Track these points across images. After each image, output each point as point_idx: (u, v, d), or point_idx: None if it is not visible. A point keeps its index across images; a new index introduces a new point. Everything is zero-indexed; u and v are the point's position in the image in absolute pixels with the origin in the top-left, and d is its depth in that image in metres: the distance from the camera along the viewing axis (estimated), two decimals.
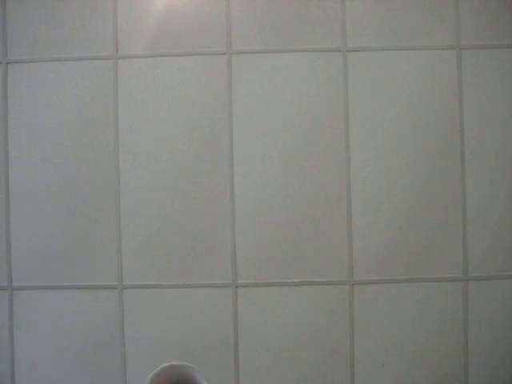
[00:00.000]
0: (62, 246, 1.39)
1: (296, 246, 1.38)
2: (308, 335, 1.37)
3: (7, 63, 1.41)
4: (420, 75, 1.38)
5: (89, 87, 1.40)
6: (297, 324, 1.37)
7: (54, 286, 1.39)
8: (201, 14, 1.40)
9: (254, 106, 1.39)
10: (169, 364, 1.31)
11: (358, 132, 1.38)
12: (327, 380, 1.37)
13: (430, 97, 1.38)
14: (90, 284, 1.39)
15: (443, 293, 1.37)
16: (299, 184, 1.38)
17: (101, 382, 1.38)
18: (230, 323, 1.38)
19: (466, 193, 1.37)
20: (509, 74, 1.37)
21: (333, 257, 1.38)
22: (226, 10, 1.39)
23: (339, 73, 1.38)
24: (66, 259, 1.39)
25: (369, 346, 1.37)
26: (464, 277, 1.37)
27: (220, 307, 1.38)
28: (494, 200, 1.37)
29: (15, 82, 1.41)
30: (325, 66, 1.39)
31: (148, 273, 1.39)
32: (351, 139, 1.38)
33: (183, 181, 1.39)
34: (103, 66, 1.40)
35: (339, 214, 1.38)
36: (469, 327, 1.37)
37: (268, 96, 1.39)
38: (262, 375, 1.37)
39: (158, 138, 1.39)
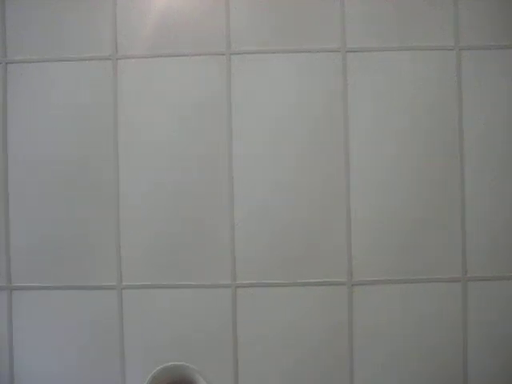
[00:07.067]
0: (62, 246, 1.39)
1: (295, 246, 1.38)
2: (307, 335, 1.37)
3: (6, 63, 1.41)
4: (419, 75, 1.38)
5: (88, 87, 1.40)
6: (296, 324, 1.37)
7: (53, 286, 1.39)
8: (200, 15, 1.40)
9: (254, 107, 1.39)
10: (168, 364, 1.31)
11: (357, 131, 1.38)
12: (327, 380, 1.37)
13: (429, 97, 1.38)
14: (90, 284, 1.39)
15: (443, 293, 1.37)
16: (299, 184, 1.38)
17: (100, 381, 1.38)
18: (230, 323, 1.38)
19: (466, 193, 1.37)
20: (508, 75, 1.38)
21: (332, 257, 1.38)
22: (226, 10, 1.39)
23: (339, 73, 1.39)
24: (65, 259, 1.39)
25: (368, 346, 1.37)
26: (464, 277, 1.37)
27: (219, 307, 1.38)
28: (493, 201, 1.37)
29: (14, 82, 1.41)
30: (324, 67, 1.39)
31: (147, 273, 1.39)
32: (350, 138, 1.38)
33: (183, 181, 1.39)
34: (103, 66, 1.40)
35: (339, 214, 1.38)
36: (468, 327, 1.37)
37: (267, 96, 1.39)
38: (261, 375, 1.37)
39: (157, 138, 1.39)
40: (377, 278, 1.37)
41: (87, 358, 1.38)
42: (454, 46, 1.38)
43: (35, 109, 1.40)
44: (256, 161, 1.39)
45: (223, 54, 1.39)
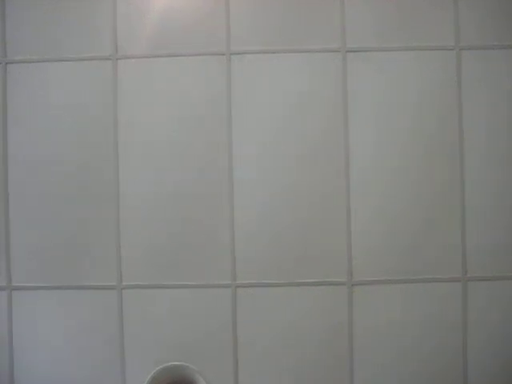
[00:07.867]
0: (62, 246, 1.39)
1: (295, 246, 1.38)
2: (307, 335, 1.37)
3: (6, 63, 1.41)
4: (420, 75, 1.38)
5: (88, 87, 1.40)
6: (296, 324, 1.37)
7: (53, 286, 1.39)
8: (200, 15, 1.39)
9: (254, 107, 1.39)
10: (168, 364, 1.31)
11: (357, 131, 1.38)
12: (327, 380, 1.37)
13: (430, 97, 1.38)
14: (90, 284, 1.39)
15: (443, 293, 1.37)
16: (299, 185, 1.38)
17: (100, 381, 1.38)
18: (230, 323, 1.38)
19: (466, 193, 1.37)
20: (510, 75, 1.37)
21: (332, 257, 1.38)
22: (226, 10, 1.39)
23: (339, 73, 1.38)
24: (65, 259, 1.39)
25: (368, 346, 1.37)
26: (464, 277, 1.37)
27: (219, 307, 1.38)
28: (493, 200, 1.37)
29: (14, 82, 1.41)
30: (324, 67, 1.39)
31: (147, 273, 1.39)
32: (351, 138, 1.38)
33: (182, 181, 1.39)
34: (103, 66, 1.40)
35: (339, 214, 1.38)
36: (468, 327, 1.37)
37: (267, 96, 1.39)
38: (261, 376, 1.37)
39: (157, 138, 1.39)
40: (377, 278, 1.37)
41: (87, 358, 1.38)
42: (454, 46, 1.38)
43: (35, 109, 1.40)
44: (256, 161, 1.39)
45: (223, 54, 1.39)
